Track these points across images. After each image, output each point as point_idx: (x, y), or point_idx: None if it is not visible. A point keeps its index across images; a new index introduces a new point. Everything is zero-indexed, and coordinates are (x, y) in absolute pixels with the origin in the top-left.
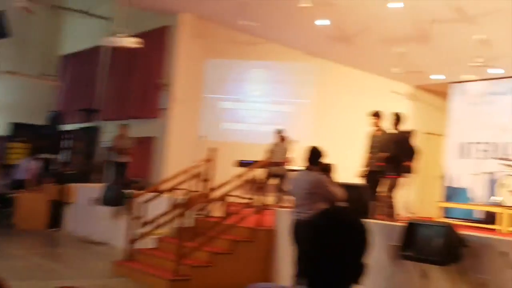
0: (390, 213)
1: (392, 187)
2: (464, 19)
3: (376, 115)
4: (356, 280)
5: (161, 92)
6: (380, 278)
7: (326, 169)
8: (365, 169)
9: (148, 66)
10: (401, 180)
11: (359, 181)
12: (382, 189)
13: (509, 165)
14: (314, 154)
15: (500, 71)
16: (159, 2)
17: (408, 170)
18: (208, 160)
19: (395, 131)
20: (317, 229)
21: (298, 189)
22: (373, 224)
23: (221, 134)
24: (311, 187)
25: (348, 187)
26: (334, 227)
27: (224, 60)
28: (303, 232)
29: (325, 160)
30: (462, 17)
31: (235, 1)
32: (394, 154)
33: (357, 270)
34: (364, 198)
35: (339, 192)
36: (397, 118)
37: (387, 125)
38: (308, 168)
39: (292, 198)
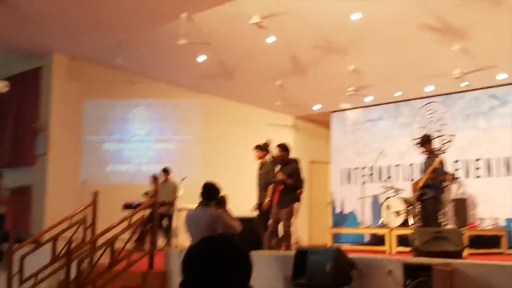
0: (288, 243)
1: (290, 216)
2: (335, 51)
3: (260, 148)
4: None
5: (37, 137)
6: None
7: (221, 202)
8: (258, 202)
9: (22, 110)
10: (296, 209)
11: (250, 214)
12: (277, 220)
13: (391, 188)
14: (209, 189)
15: (371, 98)
16: (28, 43)
17: (299, 198)
18: (91, 205)
19: (286, 160)
20: (194, 254)
21: (195, 226)
22: (267, 255)
23: (105, 177)
24: (209, 223)
25: (240, 220)
26: (210, 251)
27: (104, 101)
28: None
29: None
30: (333, 48)
31: (111, 39)
32: (290, 183)
33: None
34: (257, 231)
35: (237, 225)
36: (285, 149)
37: (273, 156)
38: (203, 204)
39: (189, 236)
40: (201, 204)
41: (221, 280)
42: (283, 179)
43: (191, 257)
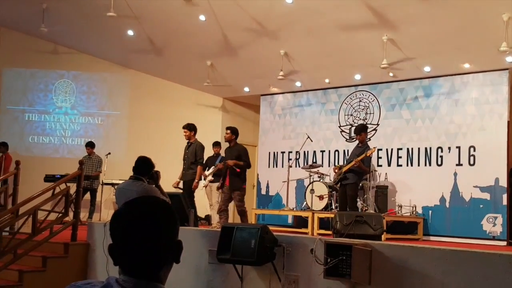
0: (245, 219)
1: (242, 197)
2: (266, 34)
3: (188, 127)
4: (173, 259)
5: None
6: (200, 282)
7: (153, 177)
8: (179, 179)
9: None
10: (245, 190)
11: (176, 190)
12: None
13: (315, 172)
14: (141, 164)
15: (299, 84)
16: None
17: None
18: (12, 174)
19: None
20: (120, 216)
21: (125, 199)
22: (194, 231)
23: (27, 148)
24: (138, 192)
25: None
26: (136, 212)
27: (25, 70)
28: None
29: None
30: (265, 31)
31: (35, 7)
32: (244, 165)
33: (171, 249)
34: (183, 206)
35: (166, 200)
36: (234, 131)
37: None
38: (134, 178)
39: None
40: (132, 177)
41: (148, 237)
42: (234, 164)
43: (117, 219)
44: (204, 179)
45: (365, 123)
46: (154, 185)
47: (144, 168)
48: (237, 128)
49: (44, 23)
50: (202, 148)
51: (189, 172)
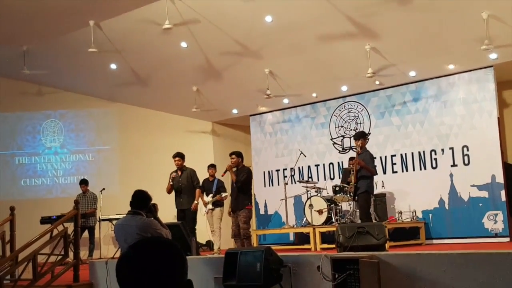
0: (248, 243)
1: (248, 219)
2: (249, 55)
3: (179, 156)
4: None
5: None
6: None
7: (151, 210)
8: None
9: None
10: (251, 211)
11: (174, 220)
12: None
13: (312, 187)
14: (138, 198)
15: (287, 101)
16: None
17: (221, 203)
18: (7, 221)
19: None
20: (127, 260)
21: (125, 235)
22: (196, 259)
23: (20, 192)
24: (140, 231)
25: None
26: (143, 254)
27: (12, 113)
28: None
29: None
30: (248, 52)
31: (16, 50)
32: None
33: None
34: (184, 236)
35: (167, 232)
36: (239, 155)
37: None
38: (133, 213)
39: (119, 245)
40: (131, 212)
41: (159, 280)
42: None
43: (125, 263)
44: (205, 206)
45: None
46: (152, 218)
47: (142, 202)
48: (230, 150)
49: (26, 65)
50: (195, 172)
51: (187, 199)
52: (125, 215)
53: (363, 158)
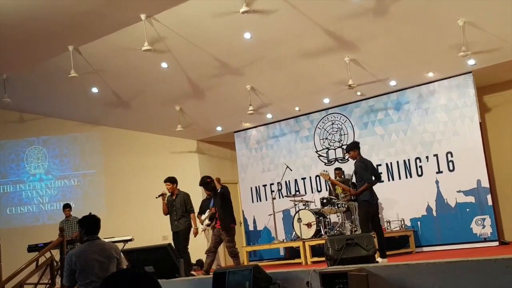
0: (237, 261)
1: (232, 237)
2: (230, 72)
3: (169, 180)
4: None
5: None
6: None
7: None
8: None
9: None
10: (234, 230)
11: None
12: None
13: (300, 201)
14: (98, 222)
15: (270, 116)
16: None
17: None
18: None
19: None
20: None
21: (94, 261)
22: (184, 281)
23: (6, 220)
24: (112, 255)
25: (152, 249)
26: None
27: None
28: None
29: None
30: (229, 70)
31: None
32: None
33: None
34: (171, 258)
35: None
36: (208, 180)
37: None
38: (96, 238)
39: (83, 274)
40: (93, 239)
41: None
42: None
43: None
44: (202, 224)
45: (340, 144)
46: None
47: (99, 226)
48: (216, 167)
49: (7, 93)
50: (189, 196)
51: (182, 221)
52: (81, 244)
53: (355, 169)
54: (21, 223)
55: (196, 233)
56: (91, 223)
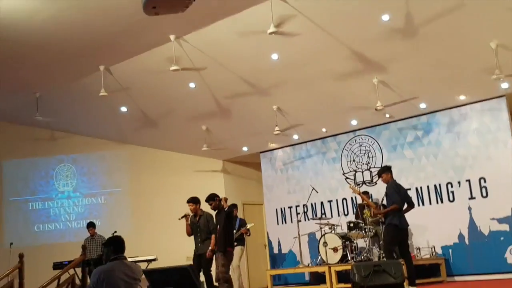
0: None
1: (227, 262)
2: (257, 93)
3: (192, 201)
4: None
5: None
6: None
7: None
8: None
9: None
10: (231, 254)
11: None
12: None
13: (326, 224)
14: (123, 242)
15: (297, 137)
16: None
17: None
18: (16, 269)
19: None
20: None
21: (120, 281)
22: None
23: (33, 237)
24: (139, 276)
25: (173, 270)
26: None
27: (25, 159)
28: None
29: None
30: (256, 90)
31: (28, 97)
32: (222, 230)
33: None
34: (192, 279)
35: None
36: (213, 198)
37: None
38: (124, 258)
39: None
40: (121, 258)
41: None
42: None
43: None
44: None
45: (368, 167)
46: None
47: (124, 246)
48: (241, 188)
49: (39, 111)
50: (212, 217)
51: (206, 243)
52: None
53: (387, 191)
54: (47, 240)
55: (210, 256)
56: (119, 242)
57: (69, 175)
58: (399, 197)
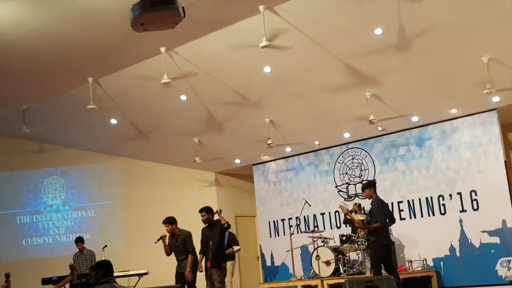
0: None
1: (223, 277)
2: (250, 105)
3: (167, 222)
4: None
5: None
6: None
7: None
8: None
9: None
10: (226, 269)
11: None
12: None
13: (318, 237)
14: (112, 265)
15: (289, 149)
16: None
17: (233, 256)
18: (3, 286)
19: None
20: None
21: None
22: None
23: (21, 252)
24: None
25: None
26: None
27: (12, 172)
28: None
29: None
30: (248, 102)
31: (15, 109)
32: (217, 246)
33: None
34: None
35: None
36: (208, 211)
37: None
38: (114, 281)
39: None
40: (111, 281)
41: None
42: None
43: None
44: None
45: (361, 180)
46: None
47: (113, 269)
48: (234, 200)
49: (26, 123)
50: (190, 236)
51: (187, 261)
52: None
53: (371, 208)
54: (36, 254)
55: (190, 277)
56: (108, 265)
57: (57, 188)
58: (384, 216)
